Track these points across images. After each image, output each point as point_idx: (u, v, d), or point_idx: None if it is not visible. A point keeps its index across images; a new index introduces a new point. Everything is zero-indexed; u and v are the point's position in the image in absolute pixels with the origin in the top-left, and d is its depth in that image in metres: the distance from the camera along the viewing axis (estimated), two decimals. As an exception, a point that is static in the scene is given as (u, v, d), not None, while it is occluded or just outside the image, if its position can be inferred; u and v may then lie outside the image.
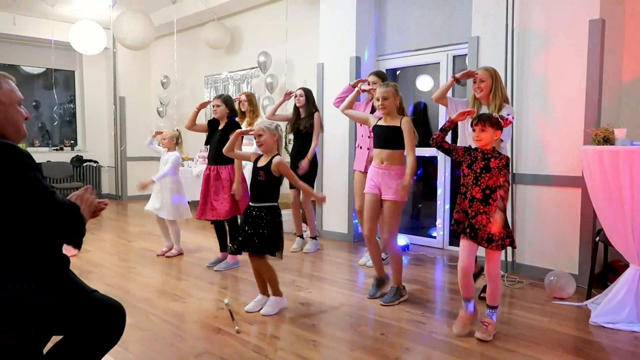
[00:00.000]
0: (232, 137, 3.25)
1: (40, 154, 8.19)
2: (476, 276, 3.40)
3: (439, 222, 4.98)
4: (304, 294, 3.48)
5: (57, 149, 8.74)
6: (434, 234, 5.07)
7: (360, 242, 5.12)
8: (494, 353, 2.51)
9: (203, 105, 4.36)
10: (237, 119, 4.38)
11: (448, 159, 4.76)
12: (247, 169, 4.41)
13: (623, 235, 2.87)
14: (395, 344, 2.63)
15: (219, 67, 7.69)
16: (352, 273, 4.09)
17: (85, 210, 1.66)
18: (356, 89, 3.77)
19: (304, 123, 4.77)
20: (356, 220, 5.22)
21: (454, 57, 4.82)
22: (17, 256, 1.52)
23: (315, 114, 4.78)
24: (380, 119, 3.33)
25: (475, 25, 4.17)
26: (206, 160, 4.42)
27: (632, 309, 2.85)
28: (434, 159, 5.02)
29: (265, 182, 3.01)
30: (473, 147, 2.78)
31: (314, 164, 4.85)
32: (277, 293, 3.12)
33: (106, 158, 9.08)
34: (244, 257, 3.19)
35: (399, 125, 3.21)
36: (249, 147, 4.80)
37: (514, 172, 3.90)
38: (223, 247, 4.30)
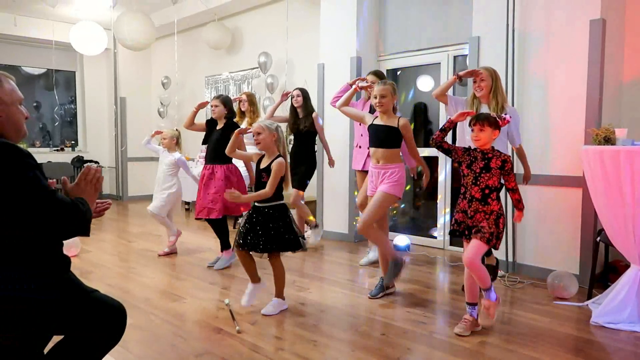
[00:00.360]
0: (232, 138, 3.24)
1: (41, 155, 8.19)
2: (492, 270, 3.38)
3: (439, 222, 4.98)
4: (305, 294, 3.48)
5: (57, 150, 8.74)
6: (435, 234, 5.07)
7: (361, 242, 5.12)
8: (494, 353, 2.50)
9: (202, 106, 4.37)
10: (236, 119, 4.39)
11: (448, 158, 4.75)
12: (243, 168, 4.43)
13: (624, 235, 2.86)
14: (396, 344, 2.63)
15: (220, 68, 7.70)
16: (352, 273, 4.09)
17: (91, 191, 1.65)
18: (353, 87, 3.77)
19: (304, 123, 4.77)
20: (357, 219, 5.21)
21: (455, 57, 4.82)
22: (18, 256, 1.52)
23: (314, 114, 4.78)
24: (376, 117, 3.33)
25: (476, 25, 4.17)
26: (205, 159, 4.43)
27: (633, 309, 2.84)
28: (434, 159, 5.02)
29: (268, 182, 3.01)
30: (472, 147, 2.79)
31: (312, 163, 4.85)
32: (281, 295, 3.12)
33: (107, 158, 9.09)
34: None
35: (395, 125, 3.22)
36: (252, 147, 4.80)
37: (515, 172, 3.89)
38: (224, 247, 4.30)
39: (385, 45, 5.33)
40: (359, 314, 3.10)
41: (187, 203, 7.55)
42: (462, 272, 3.08)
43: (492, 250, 3.46)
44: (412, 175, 3.91)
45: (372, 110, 3.91)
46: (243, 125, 4.65)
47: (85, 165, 1.72)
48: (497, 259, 3.54)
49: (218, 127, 4.22)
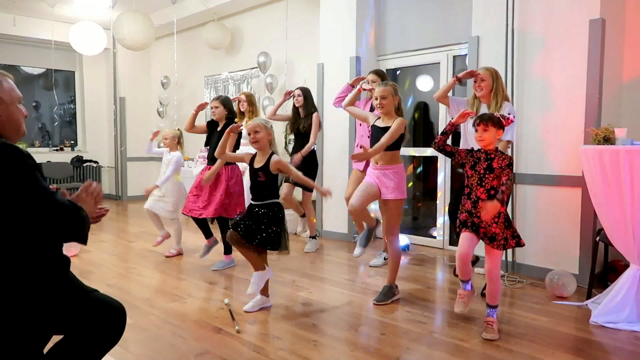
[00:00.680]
0: (223, 137, 3.20)
1: (41, 155, 8.19)
2: (472, 263, 3.39)
3: (439, 222, 4.98)
4: (304, 294, 3.48)
5: (57, 150, 8.74)
6: (434, 234, 5.07)
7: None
8: (494, 352, 2.50)
9: (201, 107, 4.35)
10: (236, 120, 4.38)
11: (448, 158, 4.75)
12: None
13: (623, 235, 2.87)
14: (396, 343, 2.63)
15: (219, 68, 7.70)
16: (352, 273, 4.09)
17: (91, 204, 1.66)
18: (357, 87, 3.76)
19: (303, 123, 4.77)
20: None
21: (454, 57, 4.82)
22: (17, 256, 1.52)
23: (314, 114, 4.77)
24: (378, 118, 3.32)
25: (476, 25, 4.17)
26: (206, 160, 4.42)
27: (632, 308, 2.84)
28: (434, 159, 5.02)
29: (265, 182, 3.02)
30: (475, 148, 2.79)
31: (313, 163, 4.85)
32: (259, 267, 3.05)
33: (106, 158, 9.09)
34: (240, 256, 3.18)
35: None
36: (249, 147, 4.79)
37: (514, 172, 3.90)
38: (208, 235, 4.32)
39: (384, 45, 5.33)
40: (359, 313, 3.10)
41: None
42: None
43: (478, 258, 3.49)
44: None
45: (373, 110, 3.90)
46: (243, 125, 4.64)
47: (87, 180, 1.73)
48: (476, 256, 3.50)
49: (219, 129, 4.22)
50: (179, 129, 4.80)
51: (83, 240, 1.59)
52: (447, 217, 4.87)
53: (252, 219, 3.01)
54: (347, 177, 5.17)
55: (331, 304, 3.28)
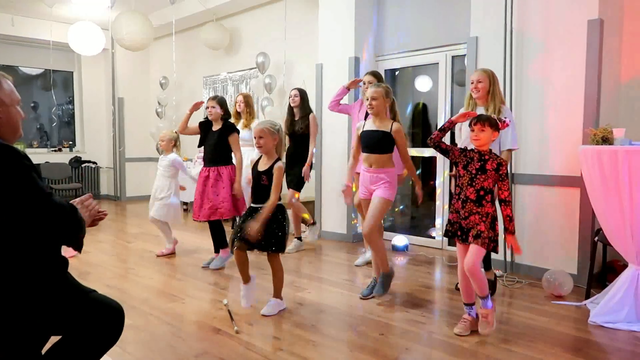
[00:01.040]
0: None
1: (39, 155, 8.18)
2: (492, 284, 3.36)
3: (437, 222, 4.98)
4: (303, 294, 3.48)
5: (55, 150, 8.72)
6: (433, 234, 5.07)
7: (359, 243, 5.11)
8: (493, 352, 2.50)
9: (196, 107, 4.34)
10: (232, 120, 4.38)
11: (447, 159, 4.75)
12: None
13: (622, 235, 2.87)
14: (395, 344, 2.63)
15: (218, 68, 7.69)
16: (351, 273, 4.09)
17: (86, 216, 1.66)
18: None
19: (299, 124, 4.75)
20: (354, 222, 5.22)
21: (453, 57, 4.82)
22: (15, 257, 1.51)
23: (311, 115, 4.75)
24: (365, 123, 3.32)
25: (474, 25, 4.18)
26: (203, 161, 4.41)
27: (631, 308, 2.85)
28: (432, 159, 5.02)
29: (268, 186, 3.01)
30: (469, 148, 2.79)
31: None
32: (279, 296, 3.13)
33: (105, 159, 9.08)
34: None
35: (388, 130, 3.19)
36: (248, 147, 4.80)
37: (513, 172, 3.90)
38: (217, 249, 4.31)
39: (383, 45, 5.33)
40: (358, 314, 3.10)
41: (185, 204, 7.54)
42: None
43: (491, 265, 3.48)
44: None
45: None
46: (239, 127, 4.63)
47: (86, 194, 1.73)
48: (495, 274, 3.54)
49: (214, 129, 4.21)
50: (175, 132, 4.80)
51: (78, 246, 1.59)
52: (445, 218, 4.88)
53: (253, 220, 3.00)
54: (346, 176, 5.17)
55: (330, 304, 3.28)
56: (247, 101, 5.01)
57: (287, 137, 4.87)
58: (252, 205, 3.09)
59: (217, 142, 4.14)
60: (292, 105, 4.81)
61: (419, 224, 5.59)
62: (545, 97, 3.79)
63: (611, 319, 2.85)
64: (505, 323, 2.91)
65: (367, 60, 5.27)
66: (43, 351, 1.67)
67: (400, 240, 4.89)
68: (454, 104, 4.84)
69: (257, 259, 3.19)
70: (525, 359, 2.44)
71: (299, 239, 4.92)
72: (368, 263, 4.24)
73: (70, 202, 1.66)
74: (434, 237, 5.06)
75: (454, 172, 3.46)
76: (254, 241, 2.93)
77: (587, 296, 3.28)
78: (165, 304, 3.27)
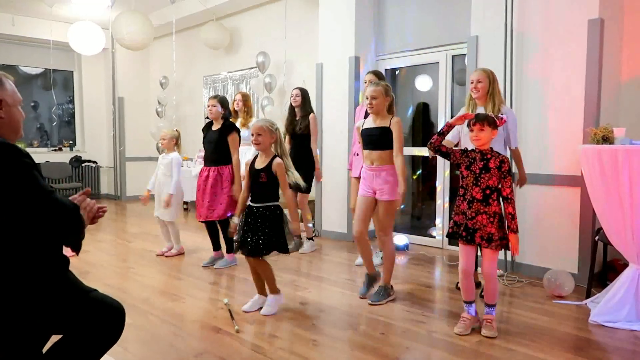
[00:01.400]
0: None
1: (39, 155, 8.18)
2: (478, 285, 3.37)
3: (438, 221, 4.98)
4: (304, 294, 3.48)
5: (55, 150, 8.72)
6: (434, 234, 5.07)
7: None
8: (493, 352, 2.50)
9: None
10: (231, 119, 4.37)
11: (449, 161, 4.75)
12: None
13: (622, 234, 2.87)
14: (395, 343, 2.63)
15: (218, 68, 7.69)
16: (351, 272, 4.09)
17: (84, 215, 1.66)
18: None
19: (300, 124, 4.75)
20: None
21: (453, 56, 4.82)
22: (16, 255, 1.51)
23: (311, 115, 4.75)
24: (365, 121, 3.32)
25: (474, 25, 4.17)
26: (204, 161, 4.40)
27: (631, 307, 2.85)
28: (433, 159, 5.02)
29: (267, 183, 3.01)
30: (469, 148, 2.79)
31: (311, 166, 4.82)
32: (275, 291, 3.11)
33: (105, 158, 9.08)
34: (241, 257, 3.18)
35: (388, 125, 3.20)
36: (245, 146, 4.79)
37: (513, 172, 3.90)
38: (216, 247, 4.30)
39: (383, 45, 5.33)
40: (358, 313, 3.10)
41: (186, 203, 7.54)
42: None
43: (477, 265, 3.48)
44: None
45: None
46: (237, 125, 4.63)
47: (84, 189, 1.73)
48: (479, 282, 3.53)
49: (214, 128, 4.21)
50: (176, 130, 4.79)
51: (77, 246, 1.59)
52: (446, 217, 4.88)
53: (252, 224, 3.00)
54: (346, 177, 5.18)
55: (330, 303, 3.28)
56: (245, 100, 5.01)
57: (287, 137, 4.87)
58: (250, 204, 3.07)
59: (217, 141, 4.14)
60: (293, 104, 4.80)
61: (419, 223, 5.59)
62: (546, 96, 3.79)
63: (612, 318, 2.85)
64: (505, 322, 2.91)
65: (367, 60, 5.27)
66: (44, 350, 1.67)
67: (400, 239, 4.89)
68: (454, 104, 4.84)
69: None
70: (526, 358, 2.44)
71: (311, 239, 4.90)
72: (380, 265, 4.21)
73: (76, 186, 1.66)
74: (434, 237, 5.06)
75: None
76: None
77: (588, 295, 3.28)
78: (166, 303, 3.27)
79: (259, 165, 3.05)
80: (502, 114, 3.00)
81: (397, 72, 5.49)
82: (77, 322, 1.60)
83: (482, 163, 2.68)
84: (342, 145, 5.26)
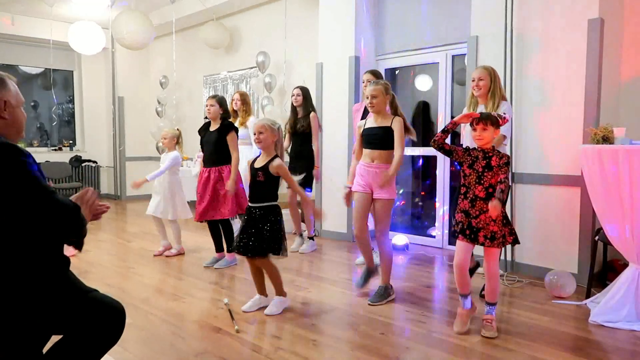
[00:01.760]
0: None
1: (39, 154, 8.18)
2: (472, 270, 3.41)
3: (438, 221, 4.98)
4: (304, 294, 3.48)
5: (55, 149, 8.72)
6: (433, 234, 5.07)
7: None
8: (494, 352, 2.50)
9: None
10: (230, 119, 4.37)
11: (447, 158, 4.75)
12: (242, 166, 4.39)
13: (622, 234, 2.87)
14: (395, 343, 2.63)
15: (218, 67, 7.69)
16: (351, 272, 4.09)
17: (86, 212, 1.67)
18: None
19: (301, 123, 4.75)
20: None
21: (453, 56, 4.82)
22: (17, 255, 1.51)
23: (312, 114, 4.75)
24: (366, 121, 3.31)
25: (475, 24, 4.17)
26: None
27: (631, 308, 2.85)
28: (432, 158, 5.02)
29: (265, 182, 3.01)
30: (472, 146, 2.79)
31: (312, 162, 4.83)
32: (281, 293, 3.12)
33: (105, 158, 9.08)
34: (241, 258, 3.18)
35: (389, 125, 3.19)
36: (243, 146, 4.79)
37: (513, 171, 3.90)
38: (219, 248, 4.30)
39: (383, 44, 5.33)
40: (358, 313, 3.10)
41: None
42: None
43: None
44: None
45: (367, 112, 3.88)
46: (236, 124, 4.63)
47: (85, 188, 1.74)
48: (477, 262, 3.53)
49: (213, 128, 4.20)
50: (177, 129, 4.79)
51: (78, 244, 1.60)
52: (446, 217, 4.88)
53: (251, 225, 3.00)
54: (346, 176, 5.16)
55: (330, 303, 3.28)
56: (244, 99, 5.01)
57: (287, 135, 4.87)
58: (250, 205, 3.06)
59: (216, 141, 4.13)
60: (294, 104, 4.80)
61: (419, 223, 5.59)
62: (546, 96, 3.79)
63: (612, 318, 2.85)
64: (505, 322, 2.91)
65: (367, 60, 5.27)
66: (44, 350, 1.67)
67: (400, 239, 4.89)
68: (454, 103, 4.84)
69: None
70: (526, 358, 2.44)
71: (312, 238, 4.90)
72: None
73: (70, 197, 1.66)
74: (434, 237, 5.06)
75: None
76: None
77: (588, 295, 3.28)
78: (166, 303, 3.27)
79: (258, 164, 3.05)
80: (504, 113, 3.00)
81: (396, 72, 5.48)
82: (77, 322, 1.60)
83: (484, 162, 2.68)
84: (342, 145, 5.26)
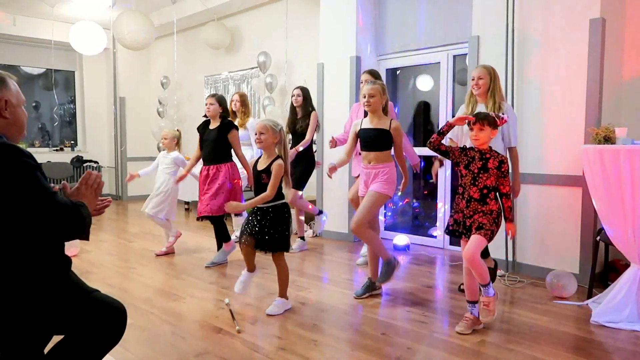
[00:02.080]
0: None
1: (41, 155, 8.19)
2: (492, 272, 3.36)
3: (439, 221, 4.98)
4: (305, 294, 3.47)
5: (57, 150, 8.74)
6: (435, 234, 5.07)
7: (361, 242, 5.11)
8: (495, 352, 2.50)
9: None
10: (229, 119, 4.38)
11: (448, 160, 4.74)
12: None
13: (624, 234, 2.86)
14: (396, 343, 2.63)
15: (219, 67, 7.70)
16: (352, 273, 4.09)
17: (91, 196, 1.66)
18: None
19: (301, 123, 4.74)
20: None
21: (454, 56, 4.81)
22: (18, 256, 1.52)
23: (312, 113, 4.74)
24: (362, 121, 3.31)
25: (476, 24, 4.17)
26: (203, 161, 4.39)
27: (633, 308, 2.84)
28: (434, 159, 5.01)
29: (268, 184, 3.01)
30: (468, 146, 2.79)
31: (309, 163, 4.82)
32: (284, 295, 3.13)
33: (106, 158, 9.09)
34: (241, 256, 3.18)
35: (387, 128, 3.19)
36: (244, 147, 4.79)
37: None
38: (220, 244, 4.31)
39: (384, 44, 5.33)
40: (359, 313, 3.10)
41: (187, 203, 7.54)
42: (461, 272, 3.09)
43: (489, 252, 3.48)
44: (415, 171, 3.97)
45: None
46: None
47: (87, 170, 1.74)
48: (495, 261, 3.53)
49: (212, 127, 4.21)
50: (178, 130, 4.80)
51: (85, 236, 1.60)
52: (447, 217, 4.87)
53: (259, 223, 3.00)
54: (347, 176, 5.17)
55: (331, 303, 3.28)
56: (243, 100, 5.01)
57: (289, 136, 4.88)
58: (257, 205, 3.08)
59: (215, 140, 4.14)
60: (294, 104, 4.80)
61: (420, 223, 5.59)
62: (547, 96, 3.78)
63: (613, 319, 2.85)
64: (507, 322, 2.91)
65: (368, 60, 5.27)
66: (45, 350, 1.67)
67: (401, 239, 4.89)
68: (455, 103, 4.83)
69: (258, 258, 3.18)
70: (527, 358, 2.44)
71: (302, 238, 4.91)
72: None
73: (74, 186, 1.67)
74: (435, 237, 5.06)
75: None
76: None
77: (589, 296, 3.27)
78: (167, 303, 3.27)
79: (261, 166, 3.05)
80: (503, 112, 2.99)
81: (397, 72, 5.48)
82: (78, 322, 1.60)
83: (480, 163, 2.68)
84: (342, 147, 5.24)
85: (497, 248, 3.94)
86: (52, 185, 1.53)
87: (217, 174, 4.14)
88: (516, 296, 3.43)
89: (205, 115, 4.30)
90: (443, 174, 4.89)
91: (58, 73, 8.63)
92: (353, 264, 4.35)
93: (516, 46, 3.92)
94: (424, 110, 5.44)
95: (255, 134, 3.04)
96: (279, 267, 3.10)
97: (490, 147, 2.73)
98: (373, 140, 3.22)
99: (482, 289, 2.75)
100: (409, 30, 5.10)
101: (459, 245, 2.83)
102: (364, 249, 4.37)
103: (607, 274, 3.61)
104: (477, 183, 2.67)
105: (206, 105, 4.20)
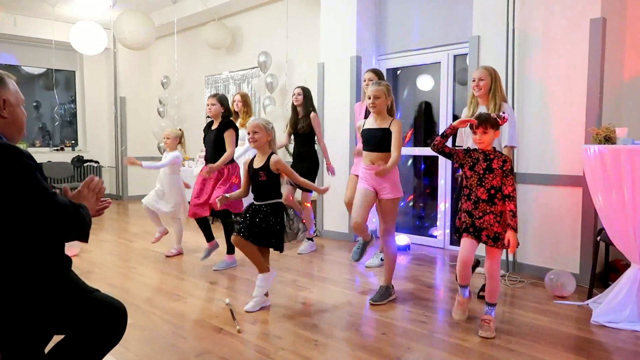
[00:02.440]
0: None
1: (41, 154, 8.19)
2: (472, 268, 3.39)
3: (439, 221, 4.98)
4: (305, 294, 3.48)
5: (57, 149, 8.74)
6: (435, 234, 5.07)
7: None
8: (495, 352, 2.50)
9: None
10: (231, 119, 4.38)
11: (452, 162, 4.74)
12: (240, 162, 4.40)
13: (624, 234, 2.86)
14: (397, 343, 2.63)
15: (220, 67, 7.70)
16: (353, 273, 4.09)
17: (92, 200, 1.67)
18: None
19: (301, 123, 4.74)
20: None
21: (455, 56, 4.81)
22: (18, 257, 1.52)
23: (312, 114, 4.74)
24: (366, 121, 3.31)
25: (476, 24, 4.17)
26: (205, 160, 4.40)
27: (633, 308, 2.84)
28: (434, 159, 5.02)
29: (267, 181, 3.03)
30: (472, 148, 2.79)
31: (315, 163, 4.82)
32: (263, 269, 3.10)
33: (107, 158, 9.09)
34: (242, 256, 3.18)
35: (389, 127, 3.18)
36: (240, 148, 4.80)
37: (515, 171, 3.90)
38: (209, 237, 4.32)
39: (385, 44, 5.33)
40: (360, 313, 3.10)
41: (188, 203, 7.54)
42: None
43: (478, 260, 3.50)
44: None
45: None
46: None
47: (89, 175, 1.74)
48: (477, 259, 3.51)
49: (214, 127, 4.21)
50: (180, 129, 4.80)
51: (84, 238, 1.60)
52: (447, 217, 4.87)
53: (255, 218, 3.02)
54: (347, 176, 5.16)
55: (332, 303, 3.28)
56: (245, 100, 5.01)
57: (287, 134, 4.88)
58: (254, 202, 3.10)
59: (215, 140, 4.14)
60: (295, 104, 4.80)
61: (420, 223, 5.59)
62: (548, 96, 3.78)
63: (613, 319, 2.85)
64: (507, 322, 2.91)
65: (368, 60, 5.27)
66: (46, 350, 1.67)
67: (402, 239, 4.89)
68: (455, 103, 4.83)
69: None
70: (527, 358, 2.44)
71: (310, 239, 4.88)
72: (378, 267, 4.20)
73: (76, 189, 1.67)
74: (435, 237, 5.05)
75: (460, 174, 3.48)
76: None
77: (590, 296, 3.27)
78: (167, 303, 3.27)
79: (257, 164, 3.06)
80: (503, 113, 2.99)
81: (398, 72, 5.48)
82: (79, 322, 1.60)
83: (485, 164, 2.68)
84: (343, 145, 5.26)
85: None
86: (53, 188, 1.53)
87: (218, 175, 4.13)
88: (516, 296, 3.43)
89: (208, 116, 4.31)
90: (443, 174, 4.89)
91: (59, 73, 8.63)
92: (353, 264, 4.35)
93: (517, 46, 3.92)
94: (424, 111, 5.44)
95: (249, 134, 3.05)
96: (246, 247, 3.04)
97: (494, 148, 2.73)
98: (376, 141, 3.21)
99: (486, 307, 2.78)
100: (409, 30, 5.10)
101: (459, 245, 2.83)
102: (376, 254, 4.35)
103: (608, 274, 3.60)
104: (483, 184, 2.68)
105: (207, 105, 4.20)
